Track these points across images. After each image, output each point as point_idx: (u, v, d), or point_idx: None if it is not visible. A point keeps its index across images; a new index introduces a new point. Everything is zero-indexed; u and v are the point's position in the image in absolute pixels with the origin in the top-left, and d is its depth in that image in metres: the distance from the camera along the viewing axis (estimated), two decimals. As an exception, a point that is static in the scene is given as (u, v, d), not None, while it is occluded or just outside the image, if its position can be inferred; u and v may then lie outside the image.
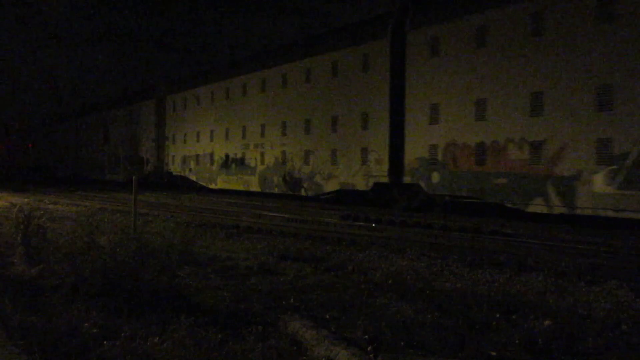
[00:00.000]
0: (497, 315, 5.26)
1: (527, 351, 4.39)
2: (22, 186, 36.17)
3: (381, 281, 6.89)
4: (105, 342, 4.42)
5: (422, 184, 19.64)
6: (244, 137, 30.44)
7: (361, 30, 23.15)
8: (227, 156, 31.80)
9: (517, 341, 4.55)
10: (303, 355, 4.24)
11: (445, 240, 11.69)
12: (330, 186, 24.01)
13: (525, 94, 16.55)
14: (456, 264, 8.46)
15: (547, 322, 4.96)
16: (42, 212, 10.85)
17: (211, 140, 33.70)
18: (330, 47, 24.49)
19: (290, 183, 26.48)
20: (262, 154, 28.80)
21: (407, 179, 20.36)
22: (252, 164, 29.48)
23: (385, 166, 21.25)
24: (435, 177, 19.18)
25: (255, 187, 29.15)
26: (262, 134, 28.88)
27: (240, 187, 30.38)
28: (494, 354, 4.31)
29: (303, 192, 25.66)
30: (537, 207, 16.07)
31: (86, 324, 4.85)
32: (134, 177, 11.21)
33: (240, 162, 30.47)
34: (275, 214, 17.62)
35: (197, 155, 35.15)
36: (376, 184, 21.67)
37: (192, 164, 35.80)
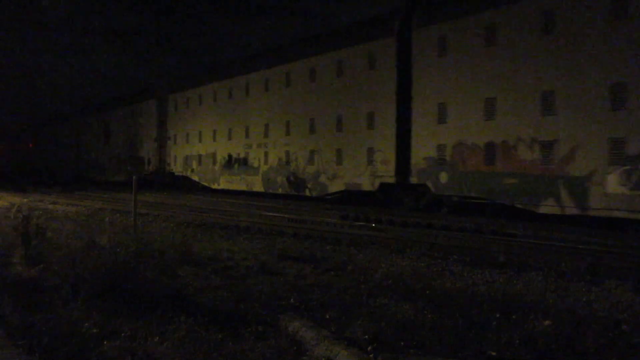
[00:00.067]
0: (497, 315, 5.26)
1: (527, 351, 4.39)
2: (22, 186, 36.16)
3: (381, 281, 6.89)
4: (105, 342, 4.42)
5: (430, 184, 19.43)
6: (247, 136, 30.24)
7: (367, 29, 22.92)
8: (230, 156, 31.63)
9: (517, 341, 4.55)
10: (303, 355, 4.24)
11: (445, 240, 11.69)
12: (335, 186, 23.83)
13: (536, 92, 16.29)
14: (456, 264, 8.46)
15: (547, 322, 4.96)
16: (41, 212, 10.86)
17: (214, 140, 33.51)
18: (335, 45, 24.26)
19: (295, 183, 26.30)
20: (265, 154, 28.60)
21: (414, 179, 20.15)
22: (256, 164, 29.29)
23: (392, 166, 21.05)
24: (443, 177, 18.98)
25: (258, 188, 28.93)
26: (266, 134, 28.68)
27: (244, 188, 30.15)
28: (494, 354, 4.31)
29: (307, 193, 25.46)
30: (548, 208, 15.82)
31: (86, 324, 4.85)
32: (134, 177, 11.20)
33: (244, 162, 30.29)
34: (275, 214, 17.62)
35: (200, 155, 34.97)
36: (382, 185, 21.47)
37: (195, 164, 35.64)
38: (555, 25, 15.87)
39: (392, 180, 21.07)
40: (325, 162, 24.51)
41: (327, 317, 5.29)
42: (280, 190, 27.40)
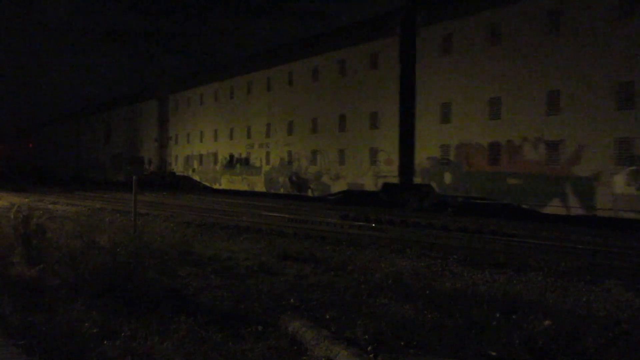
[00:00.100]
0: (497, 315, 5.26)
1: (527, 351, 4.39)
2: (22, 186, 36.16)
3: (381, 281, 6.89)
4: (105, 342, 4.42)
5: (434, 184, 19.32)
6: (248, 136, 30.12)
7: (370, 28, 22.78)
8: (231, 156, 31.52)
9: (517, 341, 4.55)
10: (303, 355, 4.24)
11: (445, 240, 11.69)
12: (338, 187, 23.71)
13: (541, 92, 16.18)
14: (456, 264, 8.46)
15: (547, 322, 4.96)
16: (41, 212, 10.85)
17: (215, 140, 33.40)
18: (338, 44, 24.15)
19: (297, 183, 26.18)
20: (267, 154, 28.47)
21: (417, 180, 20.02)
22: (257, 164, 29.17)
23: (395, 166, 20.93)
24: (447, 177, 18.87)
25: (260, 188, 28.79)
26: (268, 134, 28.55)
27: (245, 188, 30.03)
28: (494, 354, 4.31)
29: (310, 193, 25.34)
30: (554, 208, 15.70)
31: (86, 324, 4.85)
32: (133, 177, 11.20)
33: (245, 162, 30.18)
34: (275, 214, 17.61)
35: (201, 155, 34.86)
36: (386, 185, 21.36)
37: (196, 164, 35.54)
38: (560, 24, 15.74)
39: (395, 180, 20.95)
40: (327, 162, 24.39)
41: (327, 317, 5.29)
42: (282, 191, 27.25)
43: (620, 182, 14.29)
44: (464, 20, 18.54)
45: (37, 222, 7.98)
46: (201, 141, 35.00)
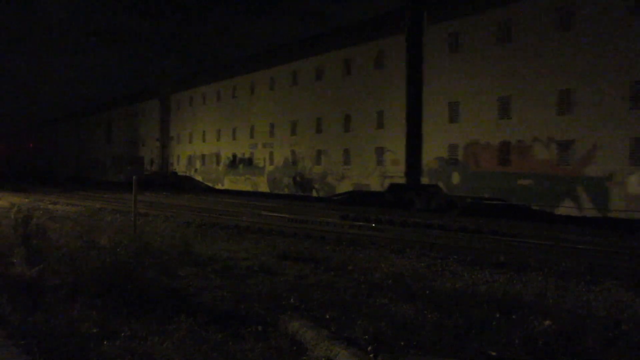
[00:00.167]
0: (497, 315, 5.26)
1: (527, 351, 4.39)
2: (22, 186, 36.16)
3: (381, 281, 6.89)
4: (105, 342, 4.42)
5: (442, 184, 19.11)
6: (252, 136, 29.89)
7: (375, 26, 22.58)
8: (234, 156, 31.31)
9: (517, 341, 4.55)
10: (303, 355, 4.24)
11: (445, 240, 11.69)
12: (343, 187, 23.50)
13: (553, 91, 15.96)
14: (456, 264, 8.46)
15: (547, 322, 4.96)
16: (42, 212, 10.87)
17: (218, 139, 33.18)
18: (343, 43, 23.94)
19: (301, 184, 25.97)
20: (271, 154, 28.25)
21: (425, 180, 19.83)
22: (261, 164, 28.94)
23: (402, 166, 20.72)
24: (456, 177, 18.67)
25: (264, 188, 28.55)
26: (271, 134, 28.31)
27: (248, 188, 29.76)
28: (494, 354, 4.31)
29: (314, 193, 25.13)
30: (566, 209, 15.45)
31: (86, 324, 4.85)
32: (134, 177, 11.21)
33: (248, 162, 29.95)
34: (275, 214, 17.61)
35: (203, 155, 34.63)
36: (392, 185, 21.14)
37: (198, 164, 35.32)
38: (573, 22, 15.48)
39: (402, 180, 20.73)
40: (332, 162, 24.17)
41: (327, 317, 5.29)
42: (286, 191, 27.00)
43: (634, 182, 14.06)
44: (472, 18, 18.32)
45: (37, 222, 7.99)
46: (203, 141, 34.76)
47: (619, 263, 9.00)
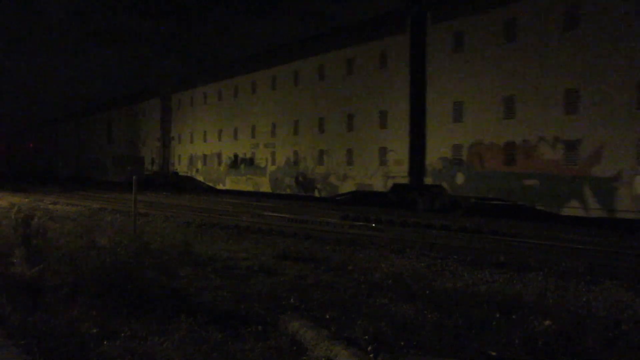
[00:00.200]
0: (497, 315, 5.26)
1: (527, 351, 4.39)
2: (22, 186, 36.16)
3: (381, 281, 6.89)
4: (105, 342, 4.42)
5: (445, 185, 18.95)
6: (253, 136, 29.70)
7: (378, 26, 22.42)
8: (235, 156, 31.13)
9: (517, 341, 4.55)
10: (303, 355, 4.24)
11: (445, 240, 11.69)
12: (346, 187, 23.32)
13: (559, 90, 15.76)
14: (456, 264, 8.46)
15: (547, 322, 4.96)
16: (42, 212, 10.87)
17: (219, 139, 32.99)
18: (345, 43, 23.78)
19: (303, 184, 25.79)
20: (273, 154, 28.06)
21: (428, 180, 19.65)
22: (263, 164, 28.75)
23: (405, 166, 20.56)
24: (460, 178, 18.49)
25: (266, 188, 28.36)
26: (273, 133, 28.14)
27: (250, 188, 29.56)
28: (494, 354, 4.31)
29: (317, 194, 24.93)
30: (572, 209, 15.25)
31: (86, 324, 4.85)
32: (134, 177, 11.21)
33: (250, 162, 29.76)
34: (275, 214, 17.62)
35: (205, 155, 34.44)
36: (395, 185, 20.98)
37: (199, 164, 35.10)
38: (579, 20, 15.28)
39: (405, 180, 20.56)
40: (335, 162, 24.00)
41: (327, 317, 5.29)
42: (288, 191, 26.81)
43: None
44: (476, 17, 18.14)
45: (37, 222, 7.99)
46: (205, 141, 34.58)
47: (619, 263, 9.01)
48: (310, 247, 10.02)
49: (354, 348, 4.06)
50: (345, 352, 3.96)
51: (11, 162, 78.96)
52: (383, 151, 21.65)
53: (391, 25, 21.67)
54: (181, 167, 37.62)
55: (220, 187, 32.69)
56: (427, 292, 6.32)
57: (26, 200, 21.84)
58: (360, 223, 15.24)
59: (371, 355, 4.00)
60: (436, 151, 19.41)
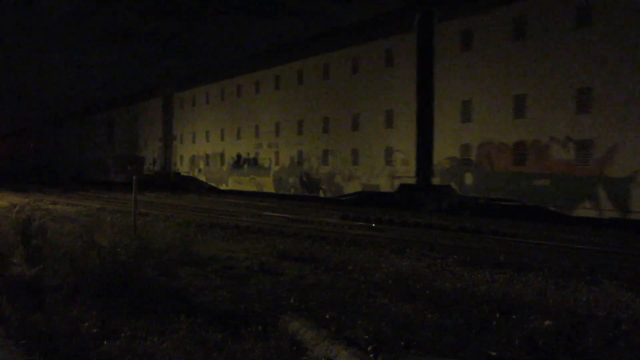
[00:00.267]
0: (497, 315, 5.26)
1: (527, 351, 4.39)
2: (22, 186, 36.17)
3: (381, 281, 6.89)
4: (105, 342, 4.42)
5: (454, 185, 18.68)
6: (257, 136, 29.42)
7: (384, 23, 22.12)
8: (238, 156, 30.88)
9: (517, 341, 4.55)
10: (303, 355, 4.24)
11: (445, 240, 11.69)
12: (352, 187, 23.06)
13: (571, 89, 15.44)
14: (456, 264, 8.46)
15: (547, 322, 4.96)
16: (43, 212, 10.88)
17: (222, 139, 32.70)
18: (350, 41, 23.48)
19: (308, 184, 25.49)
20: (276, 154, 27.79)
21: (436, 180, 19.37)
22: (266, 164, 28.49)
23: (412, 167, 20.26)
24: (469, 178, 18.21)
25: (269, 189, 28.11)
26: (277, 133, 27.85)
27: (253, 188, 29.33)
28: (494, 354, 4.31)
29: (321, 194, 24.65)
30: (584, 211, 14.97)
31: (86, 324, 4.85)
32: (134, 177, 11.22)
33: (253, 162, 29.50)
34: (276, 214, 17.62)
35: (207, 155, 34.16)
36: (402, 186, 20.69)
37: (202, 164, 34.80)
38: (592, 18, 14.98)
39: (412, 181, 20.27)
40: (340, 162, 23.74)
41: (327, 317, 5.29)
42: (292, 192, 26.54)
43: None
44: (485, 15, 17.85)
45: (38, 222, 7.99)
46: (207, 141, 34.30)
47: (619, 263, 9.00)
48: (310, 247, 10.02)
49: (354, 348, 4.06)
50: (345, 352, 3.96)
51: (11, 162, 78.98)
52: (389, 151, 21.40)
53: (397, 24, 21.38)
54: (183, 167, 37.43)
55: (223, 187, 32.44)
56: (427, 292, 6.32)
57: (26, 200, 21.84)
58: (360, 223, 15.24)
59: (371, 355, 4.00)
60: (444, 151, 19.14)
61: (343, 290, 6.50)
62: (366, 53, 22.72)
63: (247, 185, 29.96)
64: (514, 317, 5.22)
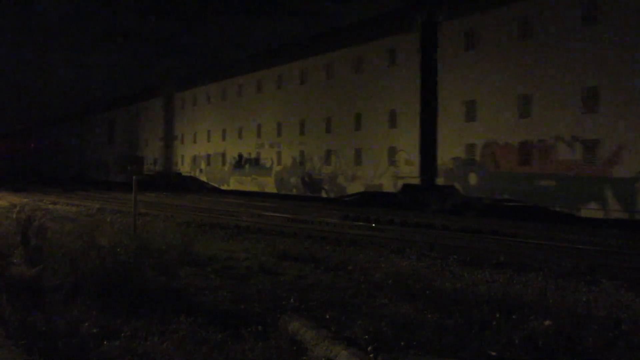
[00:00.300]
0: (497, 315, 5.25)
1: (527, 351, 4.39)
2: (23, 186, 36.17)
3: (381, 281, 6.89)
4: (105, 342, 4.42)
5: (458, 185, 18.58)
6: (258, 136, 29.30)
7: (388, 23, 22.03)
8: (240, 156, 30.73)
9: (517, 341, 4.55)
10: (303, 355, 4.24)
11: (445, 240, 11.69)
12: (354, 188, 22.92)
13: (577, 88, 15.31)
14: (456, 264, 8.46)
15: (547, 322, 4.96)
16: (43, 212, 10.88)
17: (223, 139, 32.57)
18: (353, 40, 23.36)
19: (310, 184, 25.37)
20: (278, 154, 27.66)
21: (440, 181, 19.28)
22: (268, 165, 28.36)
23: (416, 167, 20.15)
24: (473, 178, 18.12)
25: (271, 189, 27.96)
26: (279, 133, 27.72)
27: (255, 189, 29.18)
28: (494, 354, 4.31)
29: (324, 194, 24.50)
30: (591, 211, 14.89)
31: (86, 324, 4.85)
32: (133, 177, 11.22)
33: (255, 162, 29.36)
34: (275, 214, 17.61)
35: (208, 155, 34.03)
36: (406, 186, 20.58)
37: (203, 164, 34.65)
38: (598, 16, 14.84)
39: (416, 181, 20.15)
40: (343, 162, 23.59)
41: (327, 317, 5.29)
42: (294, 192, 26.38)
43: None
44: (489, 13, 17.74)
45: (38, 222, 8.00)
46: (209, 141, 34.14)
47: (619, 263, 9.00)
48: (310, 247, 10.02)
49: (354, 348, 4.06)
50: (345, 352, 3.96)
51: (12, 162, 78.97)
52: (393, 151, 21.26)
53: (400, 23, 21.25)
54: (184, 168, 37.28)
55: (224, 187, 32.23)
56: (427, 292, 6.32)
57: (26, 200, 21.84)
58: (361, 223, 15.24)
59: (371, 355, 4.00)
60: (448, 151, 19.02)
61: (343, 290, 6.50)
62: (369, 52, 22.58)
63: (249, 186, 29.78)
64: (514, 317, 5.22)
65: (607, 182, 14.66)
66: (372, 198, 22.37)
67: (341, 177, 23.77)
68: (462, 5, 18.86)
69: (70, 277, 6.22)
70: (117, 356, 4.17)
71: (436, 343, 4.54)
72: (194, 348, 4.30)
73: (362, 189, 22.71)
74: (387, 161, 21.48)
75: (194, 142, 36.00)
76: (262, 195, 28.69)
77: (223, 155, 32.60)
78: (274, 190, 27.91)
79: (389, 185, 21.37)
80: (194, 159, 35.96)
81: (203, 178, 34.79)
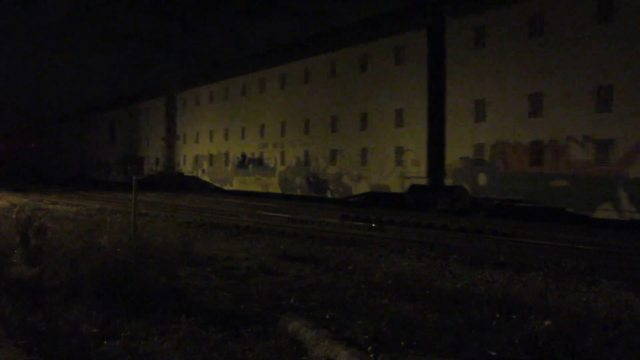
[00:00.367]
0: (497, 315, 5.25)
1: (527, 351, 4.39)
2: (22, 186, 36.16)
3: (381, 281, 6.88)
4: (105, 342, 4.42)
5: (467, 186, 18.31)
6: (262, 135, 29.06)
7: (394, 21, 21.78)
8: (243, 156, 30.53)
9: (517, 341, 4.54)
10: (303, 355, 4.24)
11: (445, 240, 11.68)
12: (360, 188, 22.65)
13: (590, 87, 15.08)
14: (456, 264, 8.46)
15: (547, 322, 4.95)
16: (43, 212, 10.87)
17: (226, 139, 32.36)
18: (358, 38, 23.10)
19: (315, 185, 25.09)
20: (282, 154, 27.41)
21: (448, 181, 19.01)
22: (272, 165, 28.10)
23: (423, 167, 19.90)
24: (482, 178, 17.82)
25: (275, 189, 27.70)
26: (283, 133, 27.49)
27: (259, 189, 28.94)
28: (494, 354, 4.31)
29: (329, 195, 24.23)
30: (604, 212, 14.63)
31: (86, 324, 4.85)
32: (133, 177, 11.22)
33: (258, 162, 29.12)
34: (275, 214, 17.61)
35: (211, 155, 33.82)
36: (413, 186, 20.29)
37: (205, 164, 34.44)
38: (613, 13, 14.58)
39: (423, 181, 19.89)
40: (348, 162, 23.32)
41: (327, 317, 5.29)
42: (299, 192, 26.09)
43: None
44: (499, 11, 17.47)
45: (38, 222, 7.99)
46: (211, 141, 33.90)
47: (619, 263, 9.00)
48: (310, 247, 10.02)
49: (354, 348, 4.06)
50: (345, 352, 3.96)
51: (12, 162, 78.94)
52: (399, 151, 20.98)
53: (407, 21, 20.98)
54: (186, 168, 37.04)
55: (227, 187, 31.92)
56: (427, 292, 6.32)
57: (26, 200, 21.84)
58: (361, 223, 15.23)
59: (371, 355, 4.00)
60: (457, 151, 18.76)
61: (343, 290, 6.50)
62: (375, 51, 22.27)
63: (252, 186, 29.53)
64: (514, 317, 5.22)
65: (621, 182, 14.40)
66: (379, 199, 22.07)
67: (347, 178, 23.49)
68: (470, 3, 18.55)
69: (70, 277, 6.21)
70: (117, 356, 4.17)
71: (436, 343, 4.54)
72: (194, 348, 4.30)
73: (368, 190, 22.41)
74: (393, 161, 21.19)
75: (196, 142, 35.78)
76: (266, 196, 28.42)
77: (226, 155, 32.35)
78: (278, 191, 27.63)
79: (395, 186, 21.06)
80: (196, 159, 35.75)
81: (206, 178, 34.57)
